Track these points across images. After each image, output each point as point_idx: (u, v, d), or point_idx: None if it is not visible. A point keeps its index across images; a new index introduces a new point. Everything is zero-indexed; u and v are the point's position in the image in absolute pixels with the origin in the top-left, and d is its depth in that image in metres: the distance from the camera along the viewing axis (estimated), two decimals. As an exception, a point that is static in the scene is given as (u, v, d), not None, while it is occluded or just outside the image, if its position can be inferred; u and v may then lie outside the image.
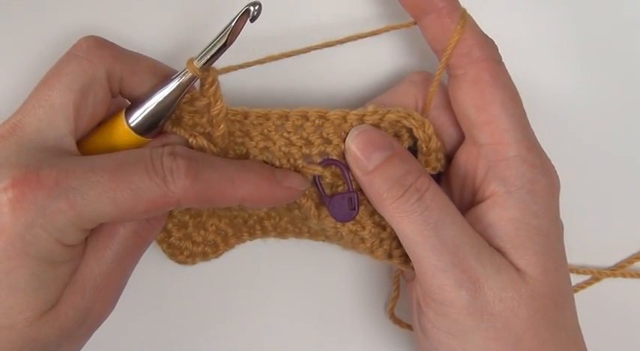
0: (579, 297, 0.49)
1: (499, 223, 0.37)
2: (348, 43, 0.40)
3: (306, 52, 0.39)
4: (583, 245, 0.49)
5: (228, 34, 0.36)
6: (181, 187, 0.35)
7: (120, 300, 0.39)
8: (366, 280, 0.50)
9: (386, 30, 0.41)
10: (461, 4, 0.39)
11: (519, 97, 0.39)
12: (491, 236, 0.38)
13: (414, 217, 0.37)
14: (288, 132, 0.41)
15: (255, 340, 0.50)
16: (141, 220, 0.38)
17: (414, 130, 0.40)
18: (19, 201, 0.32)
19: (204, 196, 0.36)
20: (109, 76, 0.37)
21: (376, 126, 0.40)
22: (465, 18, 0.38)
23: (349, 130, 0.40)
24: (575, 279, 0.50)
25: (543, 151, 0.39)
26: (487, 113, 0.38)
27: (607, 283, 0.51)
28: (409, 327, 0.50)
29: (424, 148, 0.40)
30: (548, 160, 0.39)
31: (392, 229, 0.41)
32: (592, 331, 0.46)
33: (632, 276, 0.50)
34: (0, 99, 0.44)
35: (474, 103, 0.38)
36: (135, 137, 0.38)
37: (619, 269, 0.51)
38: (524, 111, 0.39)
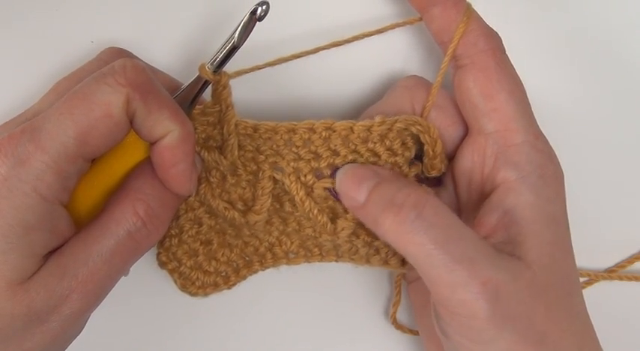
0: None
1: (516, 208, 0.38)
2: (355, 42, 0.41)
3: (315, 52, 0.41)
4: (578, 247, 0.49)
5: (238, 35, 0.36)
6: (127, 78, 0.34)
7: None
8: (364, 284, 0.50)
9: (391, 27, 0.42)
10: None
11: (524, 87, 0.40)
12: (507, 224, 0.38)
13: (419, 237, 0.35)
14: (297, 146, 0.41)
15: (255, 345, 0.50)
16: (135, 222, 0.37)
17: (421, 135, 0.41)
18: None
19: (149, 86, 0.35)
20: (128, 109, 0.35)
21: (384, 136, 0.41)
22: (470, 10, 0.40)
23: (357, 141, 0.41)
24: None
25: (547, 139, 0.40)
26: (494, 101, 0.39)
27: (601, 286, 0.51)
28: (412, 332, 0.50)
29: (431, 152, 0.41)
30: (550, 145, 0.40)
31: None
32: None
33: (628, 279, 0.51)
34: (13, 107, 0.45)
35: (481, 91, 0.39)
36: (143, 145, 0.38)
37: (614, 272, 0.51)
38: (529, 100, 0.40)
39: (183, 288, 0.44)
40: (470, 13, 0.39)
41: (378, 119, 0.40)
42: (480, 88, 0.39)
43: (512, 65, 0.40)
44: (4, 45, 0.45)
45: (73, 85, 0.36)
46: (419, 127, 0.40)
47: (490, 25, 0.41)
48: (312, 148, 0.41)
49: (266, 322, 0.49)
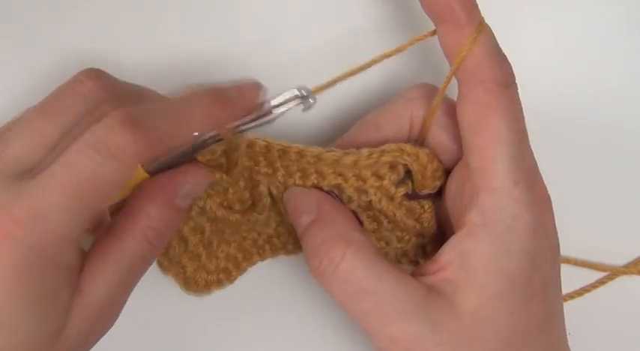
0: (595, 295, 0.49)
1: (469, 255, 0.36)
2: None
3: (332, 85, 0.39)
4: (599, 242, 0.49)
5: (277, 114, 0.37)
6: (129, 152, 0.33)
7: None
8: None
9: (411, 44, 0.39)
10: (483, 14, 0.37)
11: (521, 124, 0.37)
12: (458, 267, 0.36)
13: (336, 288, 0.37)
14: (290, 159, 0.40)
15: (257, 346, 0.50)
16: (148, 247, 0.37)
17: (409, 164, 0.39)
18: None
19: (159, 147, 0.34)
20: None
21: (371, 165, 0.39)
22: (480, 32, 0.36)
23: (344, 170, 0.40)
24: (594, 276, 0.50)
25: (538, 182, 0.37)
26: (480, 138, 0.36)
27: (623, 281, 0.50)
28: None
29: (419, 177, 0.40)
30: (541, 193, 0.37)
31: (400, 245, 0.42)
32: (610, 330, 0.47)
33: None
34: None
35: (470, 126, 0.36)
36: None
37: (635, 266, 0.50)
38: (525, 139, 0.37)
39: (188, 289, 0.45)
40: (478, 35, 0.36)
41: (365, 153, 0.39)
42: (468, 122, 0.36)
43: (512, 99, 0.36)
44: (4, 45, 0.44)
45: (49, 122, 0.35)
46: (406, 158, 0.39)
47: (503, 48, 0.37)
48: (301, 166, 0.40)
49: (269, 323, 0.49)
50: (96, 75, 0.36)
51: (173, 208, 0.38)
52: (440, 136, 0.40)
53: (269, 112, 0.36)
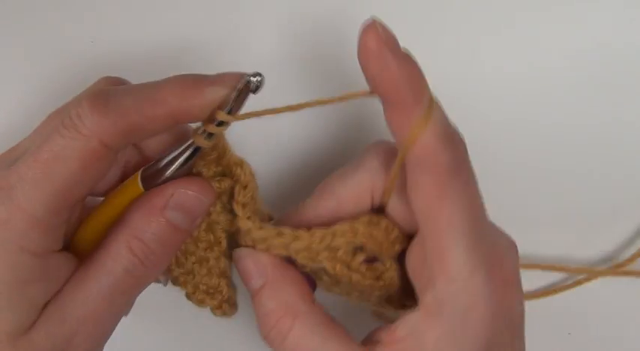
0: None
1: (422, 337, 0.35)
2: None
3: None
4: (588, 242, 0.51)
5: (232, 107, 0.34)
6: (92, 127, 0.33)
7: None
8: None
9: (341, 99, 0.35)
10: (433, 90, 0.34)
11: (475, 208, 0.35)
12: (410, 345, 0.35)
13: None
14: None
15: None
16: (131, 258, 0.36)
17: (363, 244, 0.38)
18: None
19: (124, 125, 0.33)
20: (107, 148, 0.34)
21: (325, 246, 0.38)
22: (429, 115, 0.33)
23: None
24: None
25: (497, 261, 0.35)
26: (433, 226, 0.34)
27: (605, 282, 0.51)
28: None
29: (377, 251, 0.38)
30: (500, 273, 0.35)
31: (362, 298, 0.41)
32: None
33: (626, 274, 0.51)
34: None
35: (422, 214, 0.35)
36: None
37: (615, 268, 0.51)
38: (480, 219, 0.35)
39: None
40: (427, 118, 0.32)
41: (317, 238, 0.37)
42: (420, 210, 0.35)
43: (465, 183, 0.34)
44: (4, 45, 0.45)
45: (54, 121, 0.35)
46: (361, 239, 0.38)
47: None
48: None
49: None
50: (91, 114, 0.35)
51: (164, 221, 0.36)
52: (398, 208, 0.38)
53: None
